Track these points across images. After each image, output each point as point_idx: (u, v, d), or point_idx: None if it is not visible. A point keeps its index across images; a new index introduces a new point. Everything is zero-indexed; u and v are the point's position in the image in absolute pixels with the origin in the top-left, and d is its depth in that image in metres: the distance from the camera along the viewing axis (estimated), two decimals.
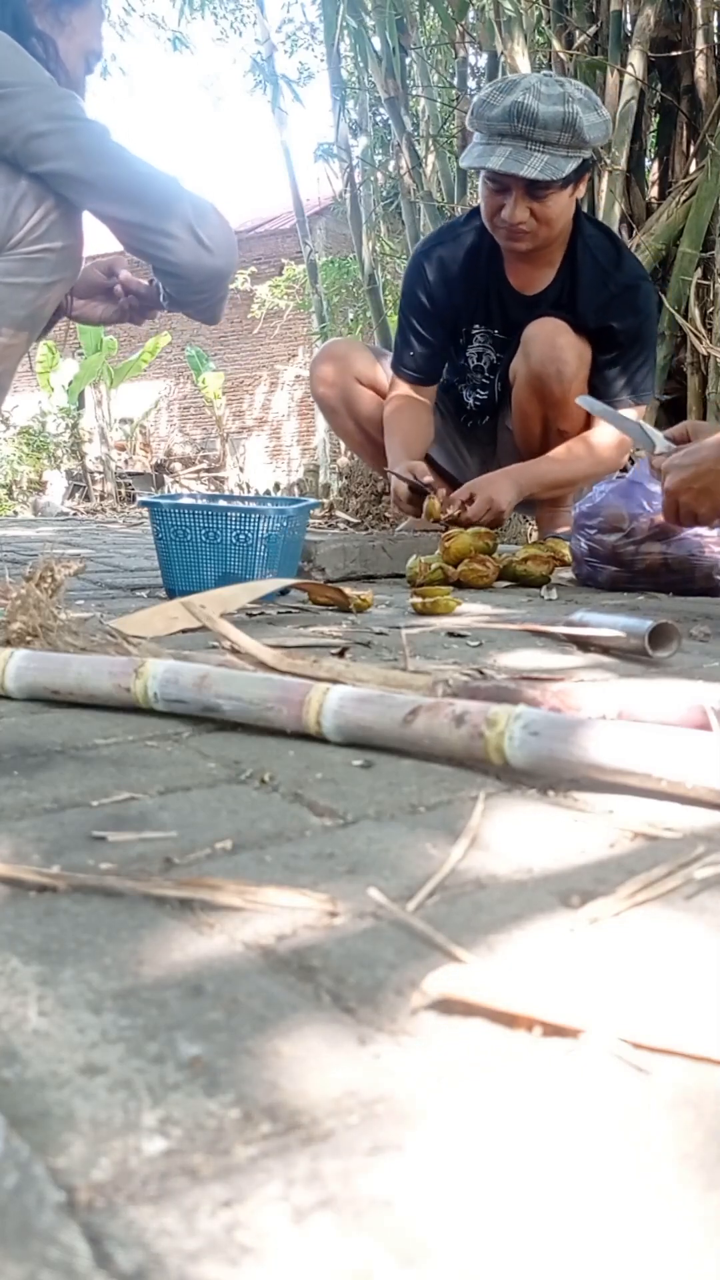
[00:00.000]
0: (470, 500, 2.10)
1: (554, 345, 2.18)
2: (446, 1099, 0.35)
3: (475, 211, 2.38)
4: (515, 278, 2.29)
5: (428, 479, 2.20)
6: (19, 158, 1.52)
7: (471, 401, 2.43)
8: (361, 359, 2.53)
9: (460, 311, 2.34)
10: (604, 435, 2.25)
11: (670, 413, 3.59)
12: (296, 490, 6.78)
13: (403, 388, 2.39)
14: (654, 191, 3.76)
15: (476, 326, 2.35)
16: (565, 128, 2.03)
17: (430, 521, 2.11)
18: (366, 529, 3.88)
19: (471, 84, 4.53)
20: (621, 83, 3.51)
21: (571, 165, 2.07)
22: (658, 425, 3.50)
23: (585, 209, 2.29)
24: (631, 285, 2.26)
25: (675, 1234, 0.29)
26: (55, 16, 1.63)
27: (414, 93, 4.51)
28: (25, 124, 1.50)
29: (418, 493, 2.20)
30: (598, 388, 2.25)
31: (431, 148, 4.57)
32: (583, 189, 2.20)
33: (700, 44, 3.62)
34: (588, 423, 2.26)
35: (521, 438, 2.36)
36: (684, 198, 3.49)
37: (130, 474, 10.56)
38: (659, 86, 3.64)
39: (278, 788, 0.69)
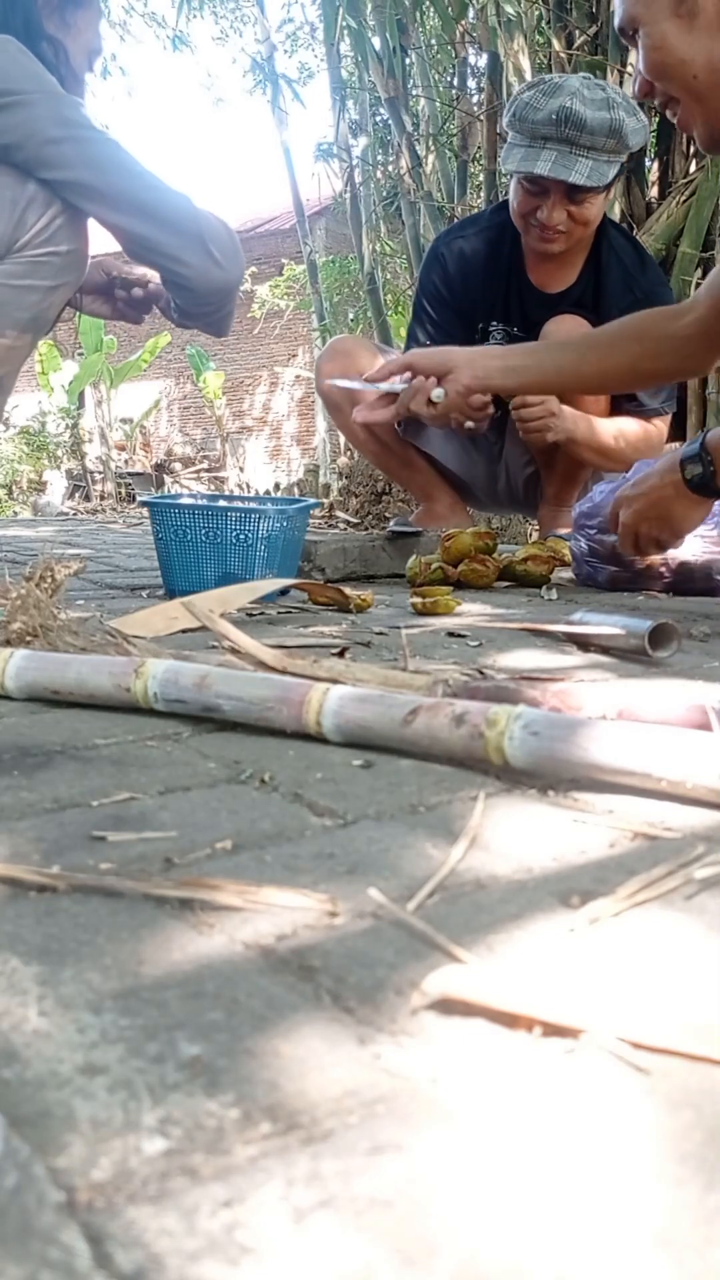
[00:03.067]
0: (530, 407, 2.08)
1: None
2: (446, 1099, 0.35)
3: (497, 208, 2.38)
4: (536, 276, 2.29)
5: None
6: (30, 164, 1.53)
7: None
8: (367, 355, 2.53)
9: (478, 307, 2.34)
10: (635, 427, 2.24)
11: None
12: (296, 490, 6.79)
13: None
14: (654, 191, 3.75)
15: (495, 323, 2.35)
16: (611, 134, 2.04)
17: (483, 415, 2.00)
18: (366, 529, 3.88)
19: (471, 84, 4.53)
20: (621, 83, 3.51)
21: (613, 170, 2.08)
22: None
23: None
24: (656, 291, 2.26)
25: (675, 1234, 0.29)
26: (62, 19, 1.64)
27: (414, 93, 4.51)
28: (39, 131, 1.51)
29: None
30: (629, 400, 2.25)
31: (431, 148, 4.56)
32: (613, 191, 2.21)
33: None
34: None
35: None
36: (684, 198, 3.49)
37: (130, 474, 10.56)
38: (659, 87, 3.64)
39: (278, 788, 0.69)
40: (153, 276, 1.82)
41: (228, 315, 1.72)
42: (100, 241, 1.73)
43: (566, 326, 2.20)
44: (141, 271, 1.83)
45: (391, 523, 2.28)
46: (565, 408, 2.15)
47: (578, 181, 2.04)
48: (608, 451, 2.21)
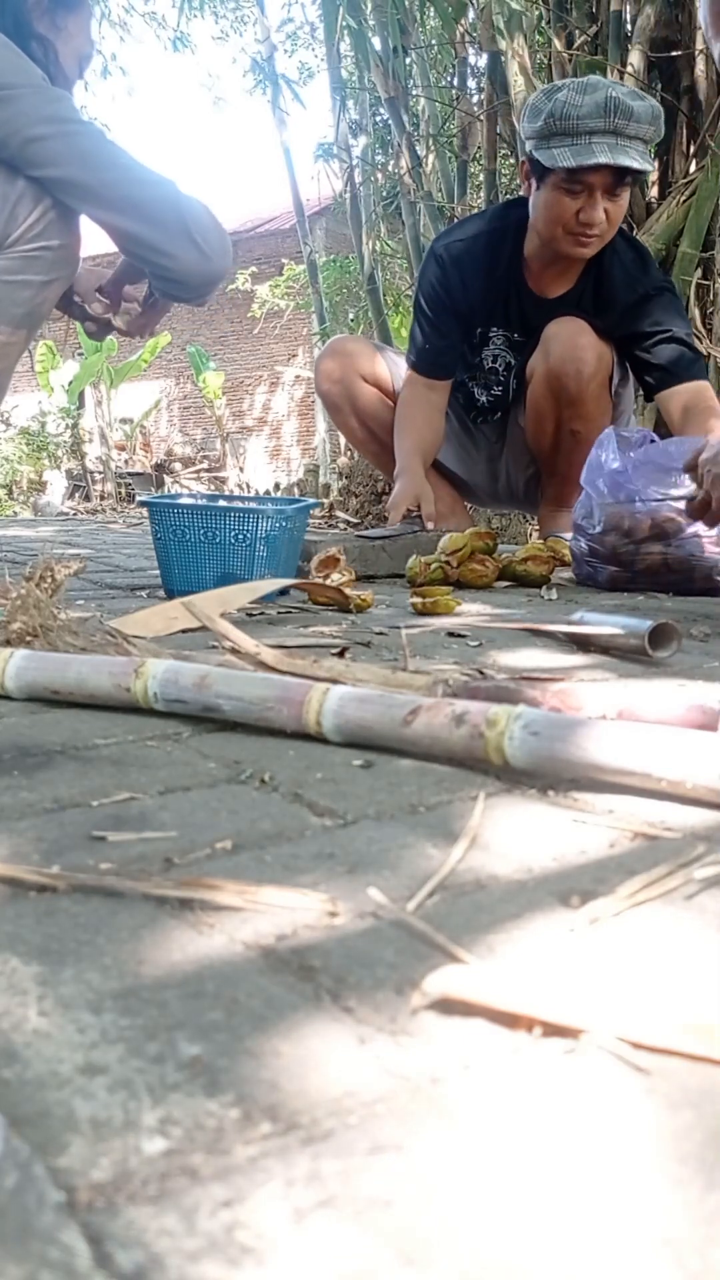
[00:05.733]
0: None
1: (575, 344, 2.17)
2: (446, 1099, 0.35)
3: (497, 213, 2.38)
4: (535, 281, 2.28)
5: (428, 512, 2.18)
6: (17, 161, 1.52)
7: (485, 399, 2.43)
8: (366, 356, 2.53)
9: (477, 313, 2.33)
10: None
11: None
12: (296, 490, 6.78)
13: (416, 384, 2.38)
14: (654, 191, 3.75)
15: (494, 329, 2.35)
16: (654, 119, 2.05)
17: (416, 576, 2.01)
18: (366, 529, 3.87)
19: (471, 84, 4.53)
20: (621, 83, 3.51)
21: (649, 157, 2.10)
22: (657, 423, 3.49)
23: None
24: (660, 289, 2.25)
25: (676, 1234, 0.29)
26: (52, 20, 1.64)
27: (414, 93, 4.51)
28: (22, 128, 1.50)
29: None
30: (655, 372, 2.21)
31: (431, 148, 4.56)
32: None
33: (700, 44, 3.61)
34: (602, 424, 2.25)
35: (534, 436, 2.36)
36: (684, 198, 3.49)
37: (130, 474, 10.55)
38: (659, 86, 3.63)
39: (278, 788, 0.69)
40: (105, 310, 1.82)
41: (211, 293, 1.72)
42: (95, 240, 1.72)
43: (569, 328, 2.19)
44: (100, 308, 1.83)
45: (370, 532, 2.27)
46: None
47: (634, 165, 2.04)
48: None
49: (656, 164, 3.81)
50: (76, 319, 1.88)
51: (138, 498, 4.56)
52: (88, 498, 9.77)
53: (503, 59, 3.76)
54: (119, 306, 1.83)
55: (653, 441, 1.80)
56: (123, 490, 9.98)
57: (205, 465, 11.74)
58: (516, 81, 3.69)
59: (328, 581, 1.56)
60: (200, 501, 1.78)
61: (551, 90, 2.12)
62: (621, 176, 2.07)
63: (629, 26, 3.60)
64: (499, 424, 2.47)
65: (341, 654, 1.06)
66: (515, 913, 0.50)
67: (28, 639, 0.98)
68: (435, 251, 2.37)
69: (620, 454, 1.77)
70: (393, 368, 2.51)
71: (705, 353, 3.43)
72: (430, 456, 2.37)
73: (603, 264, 2.24)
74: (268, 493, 7.54)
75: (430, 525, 2.17)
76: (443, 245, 2.37)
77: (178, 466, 11.57)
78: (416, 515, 2.19)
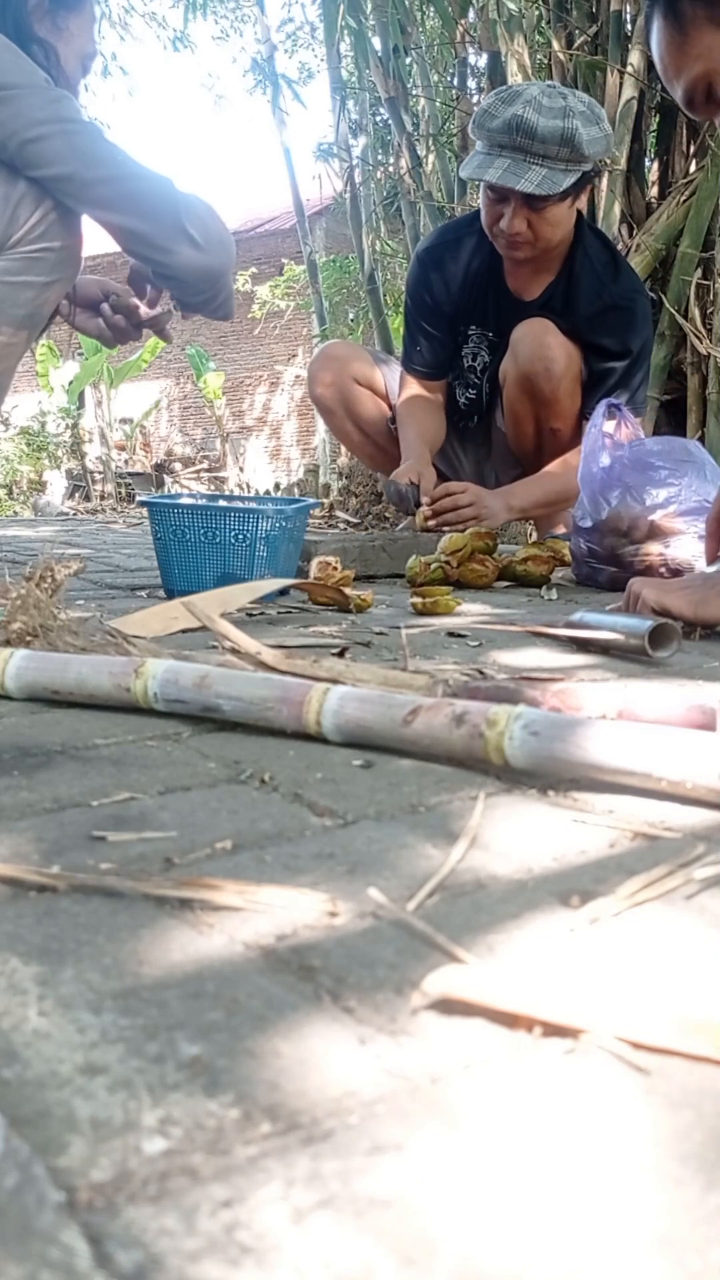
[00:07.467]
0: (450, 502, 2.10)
1: (542, 344, 2.19)
2: (446, 1099, 0.35)
3: (476, 214, 2.39)
4: (513, 281, 2.29)
5: (426, 486, 2.19)
6: (16, 161, 1.52)
7: (463, 400, 2.44)
8: (359, 361, 2.54)
9: (459, 310, 2.35)
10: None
11: (670, 412, 3.58)
12: (296, 490, 6.78)
13: (413, 385, 2.40)
14: (654, 191, 3.75)
15: (473, 327, 2.36)
16: (564, 143, 2.02)
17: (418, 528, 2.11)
18: (366, 529, 3.88)
19: (471, 84, 4.53)
20: (621, 82, 3.51)
21: (570, 179, 2.06)
22: (657, 425, 3.50)
23: (586, 209, 2.28)
24: (627, 298, 2.25)
25: (675, 1234, 0.29)
26: (53, 22, 1.63)
27: (414, 93, 4.51)
28: (20, 129, 1.50)
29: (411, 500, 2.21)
30: (595, 401, 2.25)
31: (431, 148, 4.56)
32: (583, 200, 2.19)
33: None
34: (580, 420, 2.25)
35: (514, 439, 2.37)
36: (684, 198, 3.49)
37: (130, 474, 10.56)
38: (659, 86, 3.63)
39: (278, 788, 0.69)
40: (141, 305, 1.82)
41: (226, 299, 1.70)
42: (96, 240, 1.72)
43: (535, 329, 2.20)
44: (135, 302, 1.82)
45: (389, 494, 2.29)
46: (508, 490, 2.19)
47: (526, 189, 2.03)
48: (555, 501, 2.26)
49: (656, 164, 3.81)
50: (95, 336, 1.88)
51: (138, 498, 4.56)
52: (88, 498, 9.77)
53: (503, 59, 3.76)
54: (145, 297, 1.82)
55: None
56: (123, 490, 9.98)
57: (205, 465, 11.74)
58: (516, 81, 3.69)
59: (327, 580, 1.56)
60: (200, 501, 1.78)
61: (495, 92, 2.14)
62: (529, 193, 2.06)
63: (629, 26, 3.60)
64: (481, 430, 2.48)
65: (341, 654, 1.06)
66: (515, 913, 0.50)
67: (28, 639, 0.98)
68: (418, 254, 2.40)
69: (610, 452, 1.78)
70: (386, 373, 2.52)
71: (705, 353, 3.43)
72: (434, 446, 2.38)
73: (574, 266, 2.25)
74: (267, 493, 7.54)
75: (426, 500, 2.16)
76: (424, 247, 2.40)
77: (178, 466, 11.57)
78: (415, 486, 2.19)
